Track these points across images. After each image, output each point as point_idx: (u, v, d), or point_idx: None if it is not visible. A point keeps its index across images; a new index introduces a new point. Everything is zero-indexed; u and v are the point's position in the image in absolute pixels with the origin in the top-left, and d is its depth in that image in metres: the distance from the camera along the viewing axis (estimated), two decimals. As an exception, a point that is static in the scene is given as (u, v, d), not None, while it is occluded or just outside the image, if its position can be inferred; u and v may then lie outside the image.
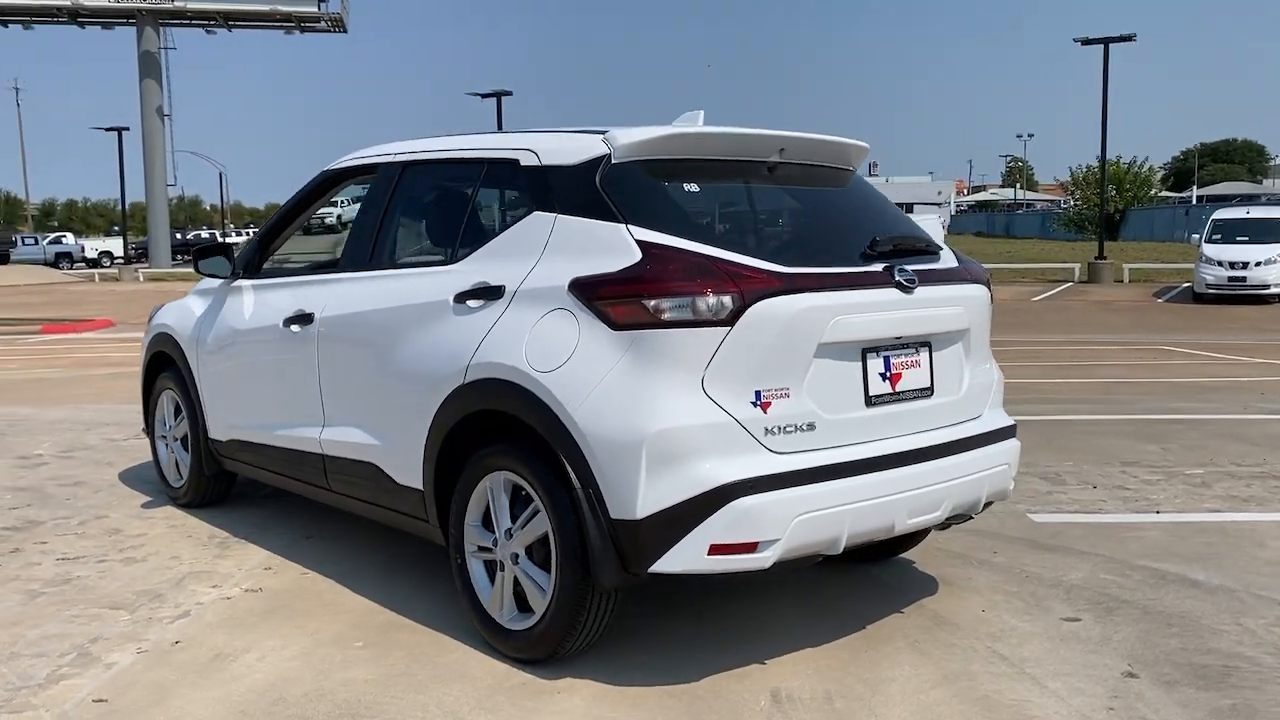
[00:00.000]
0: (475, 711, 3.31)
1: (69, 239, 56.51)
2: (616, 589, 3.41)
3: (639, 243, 3.37)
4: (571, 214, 3.58)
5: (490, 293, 3.71)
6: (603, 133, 3.65)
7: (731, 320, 3.25)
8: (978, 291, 3.97)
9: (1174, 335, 15.72)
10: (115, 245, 55.29)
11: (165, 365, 5.77)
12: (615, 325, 3.31)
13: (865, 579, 4.53)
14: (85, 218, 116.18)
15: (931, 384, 3.75)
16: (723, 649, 3.76)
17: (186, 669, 3.64)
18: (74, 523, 5.52)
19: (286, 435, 4.76)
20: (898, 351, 3.64)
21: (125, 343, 15.64)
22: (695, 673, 3.56)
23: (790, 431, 3.34)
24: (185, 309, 5.65)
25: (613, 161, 3.58)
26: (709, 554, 3.20)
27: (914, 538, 4.56)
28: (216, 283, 5.39)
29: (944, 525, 4.11)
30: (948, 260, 3.98)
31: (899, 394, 3.63)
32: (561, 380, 3.38)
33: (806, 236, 4.00)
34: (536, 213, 3.70)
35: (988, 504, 4.03)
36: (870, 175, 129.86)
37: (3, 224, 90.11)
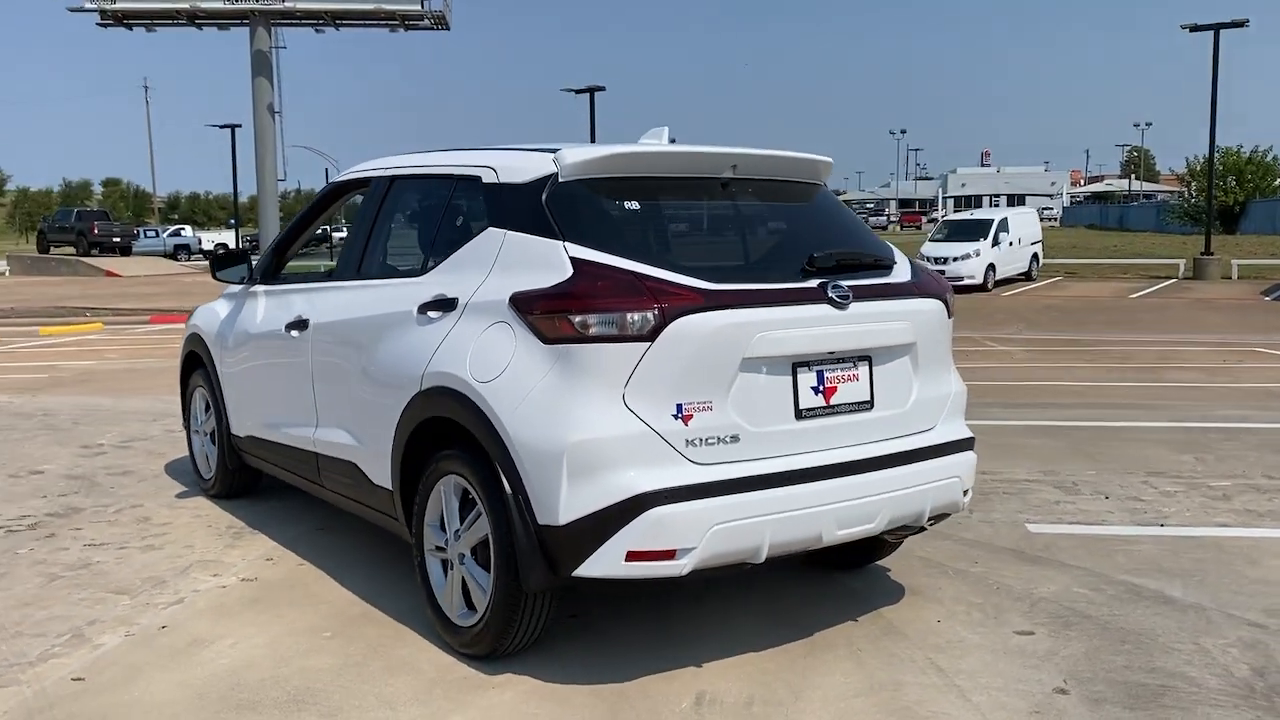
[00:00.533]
0: (409, 703, 3.50)
1: (187, 231, 59.01)
2: (544, 591, 3.57)
3: (572, 259, 3.51)
4: (519, 230, 3.74)
5: (446, 305, 3.90)
6: (554, 151, 3.79)
7: (652, 336, 3.37)
8: (928, 306, 4.00)
9: (1273, 336, 15.12)
10: (230, 238, 57.54)
11: (196, 364, 6.13)
12: (545, 339, 3.47)
13: (833, 586, 4.59)
14: (207, 210, 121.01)
15: (871, 397, 3.81)
16: (667, 651, 3.88)
17: (163, 652, 3.93)
18: (110, 510, 5.92)
19: (289, 434, 5.04)
20: (832, 366, 3.71)
21: None
22: (631, 673, 3.70)
23: (712, 443, 3.44)
24: (213, 311, 5.99)
25: (559, 180, 3.73)
26: (627, 560, 3.34)
27: (882, 546, 4.61)
28: (239, 287, 5.71)
29: (897, 536, 4.18)
30: (900, 274, 4.02)
31: (833, 407, 3.70)
32: (497, 390, 3.55)
33: (747, 253, 4.08)
34: (490, 228, 3.87)
35: (938, 517, 4.07)
36: (983, 165, 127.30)
37: (130, 217, 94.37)
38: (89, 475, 6.78)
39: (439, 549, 3.94)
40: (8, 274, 44.32)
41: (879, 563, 4.84)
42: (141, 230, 55.70)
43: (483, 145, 4.30)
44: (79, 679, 3.71)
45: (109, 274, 40.32)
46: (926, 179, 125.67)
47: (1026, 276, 27.23)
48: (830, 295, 3.66)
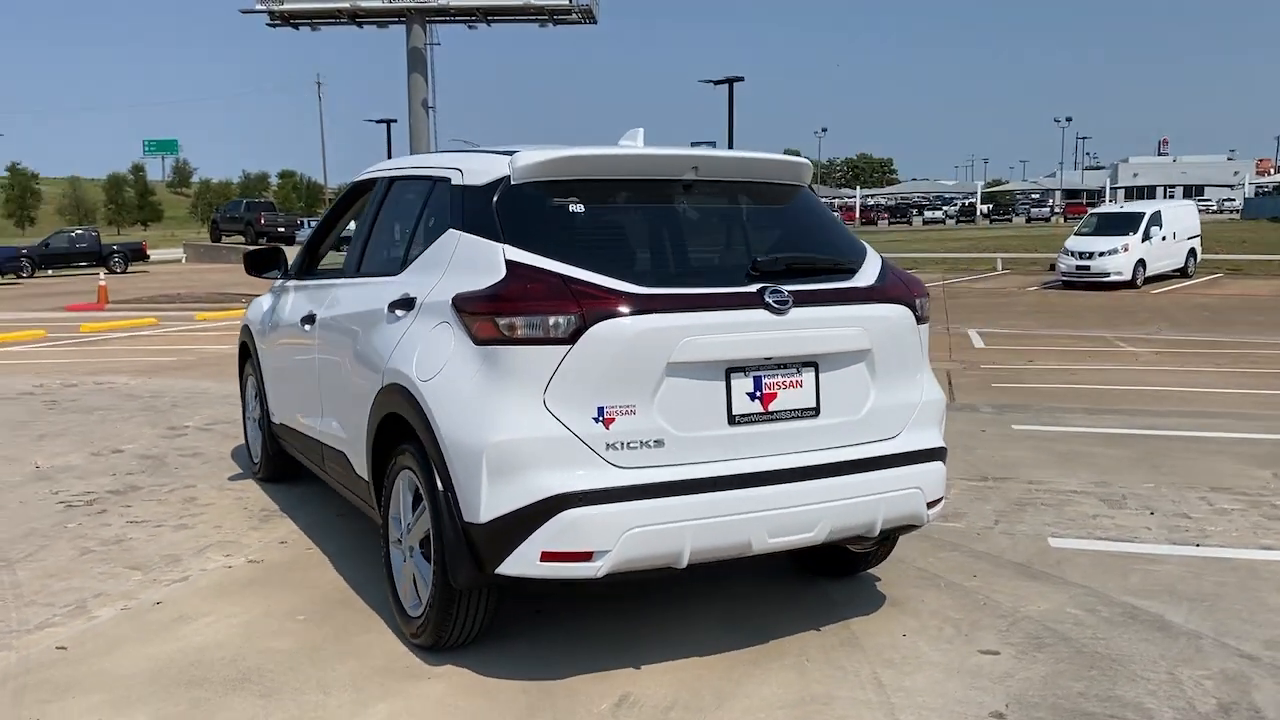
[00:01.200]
0: (344, 689, 3.63)
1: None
2: (473, 588, 3.64)
3: (507, 262, 3.57)
4: (471, 232, 3.81)
5: (408, 304, 4.01)
6: (512, 154, 3.85)
7: (572, 339, 3.40)
8: (888, 312, 3.89)
9: None
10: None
11: (246, 354, 6.46)
12: (476, 340, 3.53)
13: (811, 593, 4.51)
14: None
15: (817, 404, 3.73)
16: (615, 650, 3.90)
17: (147, 628, 4.17)
18: (164, 490, 6.30)
19: (304, 423, 5.28)
20: (772, 372, 3.65)
21: None
22: (568, 670, 3.73)
23: (634, 447, 3.44)
24: (259, 305, 6.30)
25: (511, 183, 3.78)
26: (541, 560, 3.38)
27: (864, 555, 4.51)
28: (279, 282, 5.98)
29: (862, 546, 4.09)
30: (863, 279, 3.92)
31: (772, 414, 3.64)
32: (435, 389, 3.64)
33: (698, 256, 4.05)
34: (450, 230, 3.96)
35: (898, 529, 3.97)
36: (1159, 154, 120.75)
37: (303, 207, 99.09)
38: (161, 455, 7.22)
39: (398, 540, 4.06)
40: (184, 261, 47.22)
41: (871, 571, 4.72)
42: (305, 220, 58.42)
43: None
44: (62, 648, 3.99)
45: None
46: (1096, 168, 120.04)
47: (1182, 273, 25.76)
48: (767, 300, 3.60)
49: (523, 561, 3.41)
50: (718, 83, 37.54)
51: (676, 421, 3.49)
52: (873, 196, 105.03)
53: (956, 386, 10.12)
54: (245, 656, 3.89)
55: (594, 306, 3.42)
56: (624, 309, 3.43)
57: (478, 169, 3.96)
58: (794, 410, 3.69)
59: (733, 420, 3.58)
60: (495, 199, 3.77)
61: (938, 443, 4.03)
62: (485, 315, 3.50)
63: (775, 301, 3.61)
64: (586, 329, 3.40)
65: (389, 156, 50.76)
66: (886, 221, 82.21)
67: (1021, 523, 5.50)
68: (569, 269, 3.50)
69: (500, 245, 3.63)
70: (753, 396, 3.61)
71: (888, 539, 4.25)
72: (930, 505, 3.97)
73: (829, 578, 4.65)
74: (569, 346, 3.40)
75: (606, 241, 3.80)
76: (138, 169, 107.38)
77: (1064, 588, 4.56)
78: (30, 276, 37.90)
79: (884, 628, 4.13)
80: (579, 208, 3.78)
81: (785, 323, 3.63)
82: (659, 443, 3.47)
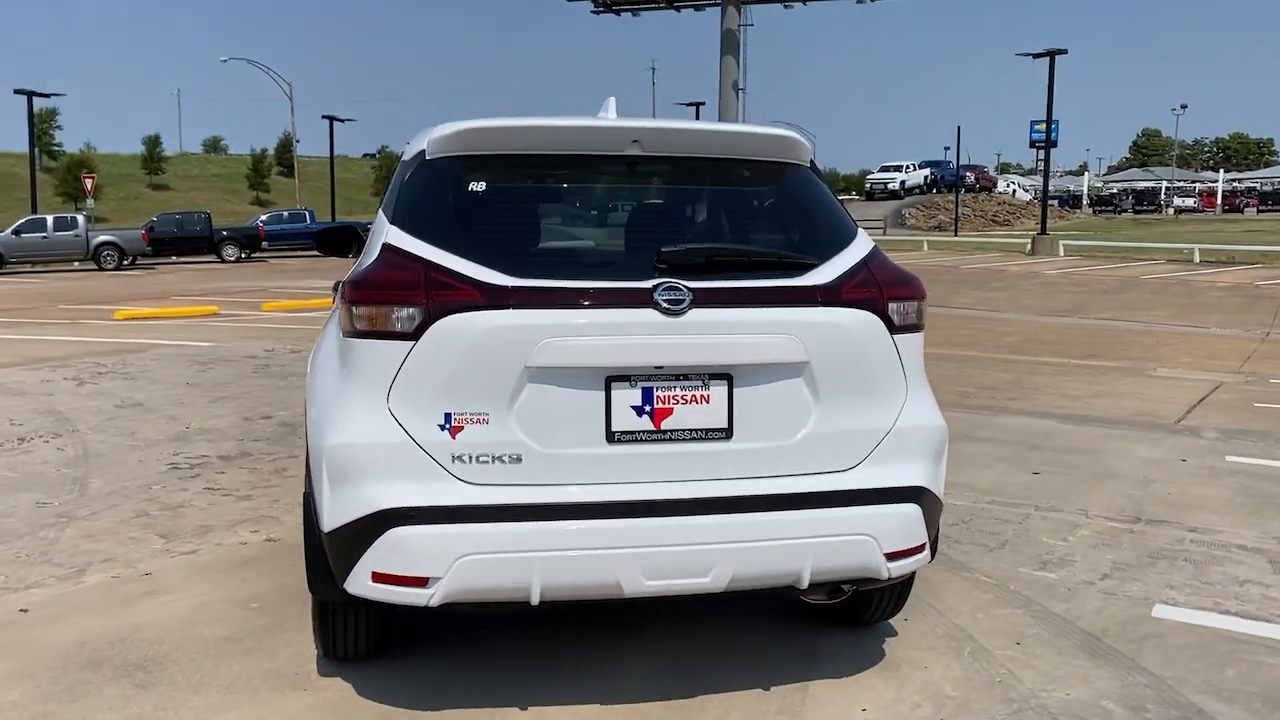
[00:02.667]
0: (217, 690, 3.45)
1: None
2: (332, 601, 3.33)
3: (383, 245, 3.23)
4: (384, 210, 3.50)
5: (335, 288, 3.77)
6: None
7: (416, 334, 3.00)
8: (838, 317, 3.17)
9: None
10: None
11: None
12: (343, 330, 3.22)
13: (792, 642, 3.85)
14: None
15: (729, 424, 3.10)
16: (513, 685, 3.48)
17: (113, 600, 4.21)
18: (265, 459, 6.48)
19: None
20: (667, 383, 3.07)
21: None
22: (448, 702, 3.36)
23: (486, 461, 3.00)
24: None
25: (425, 158, 3.42)
26: (373, 580, 3.02)
27: (869, 603, 3.79)
28: None
29: (816, 598, 3.42)
30: (818, 276, 3.22)
31: (665, 432, 3.07)
32: (310, 382, 3.41)
33: (607, 245, 3.47)
34: (381, 210, 3.66)
35: (848, 581, 3.27)
36: None
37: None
38: (296, 424, 7.46)
39: None
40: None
41: (892, 621, 3.98)
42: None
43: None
44: (24, 610, 4.09)
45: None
46: None
47: None
48: (657, 299, 3.02)
49: (359, 580, 3.06)
50: (1037, 56, 34.75)
51: (540, 435, 3.01)
52: (1241, 180, 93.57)
53: (1208, 403, 8.61)
54: (165, 640, 3.82)
55: (444, 299, 3.00)
56: (476, 302, 2.99)
57: (411, 144, 3.63)
58: (696, 430, 3.09)
59: (612, 438, 3.04)
60: (407, 176, 3.43)
61: (915, 481, 3.27)
62: (345, 303, 3.17)
63: (666, 301, 3.02)
64: (431, 324, 2.99)
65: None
66: (1255, 209, 72.78)
67: (1136, 581, 4.48)
68: (442, 255, 3.10)
69: (389, 226, 3.29)
70: (640, 411, 3.05)
71: (843, 592, 3.51)
72: (896, 556, 3.23)
73: (832, 625, 3.96)
74: (413, 342, 3.00)
75: (504, 225, 3.34)
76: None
77: (1123, 673, 3.61)
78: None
79: (847, 697, 3.43)
80: (480, 185, 3.35)
81: (681, 326, 3.03)
82: (516, 458, 3.00)
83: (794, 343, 3.11)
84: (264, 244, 39.31)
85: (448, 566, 2.94)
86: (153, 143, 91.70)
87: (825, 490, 3.14)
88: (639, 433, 3.05)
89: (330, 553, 3.13)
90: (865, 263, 3.33)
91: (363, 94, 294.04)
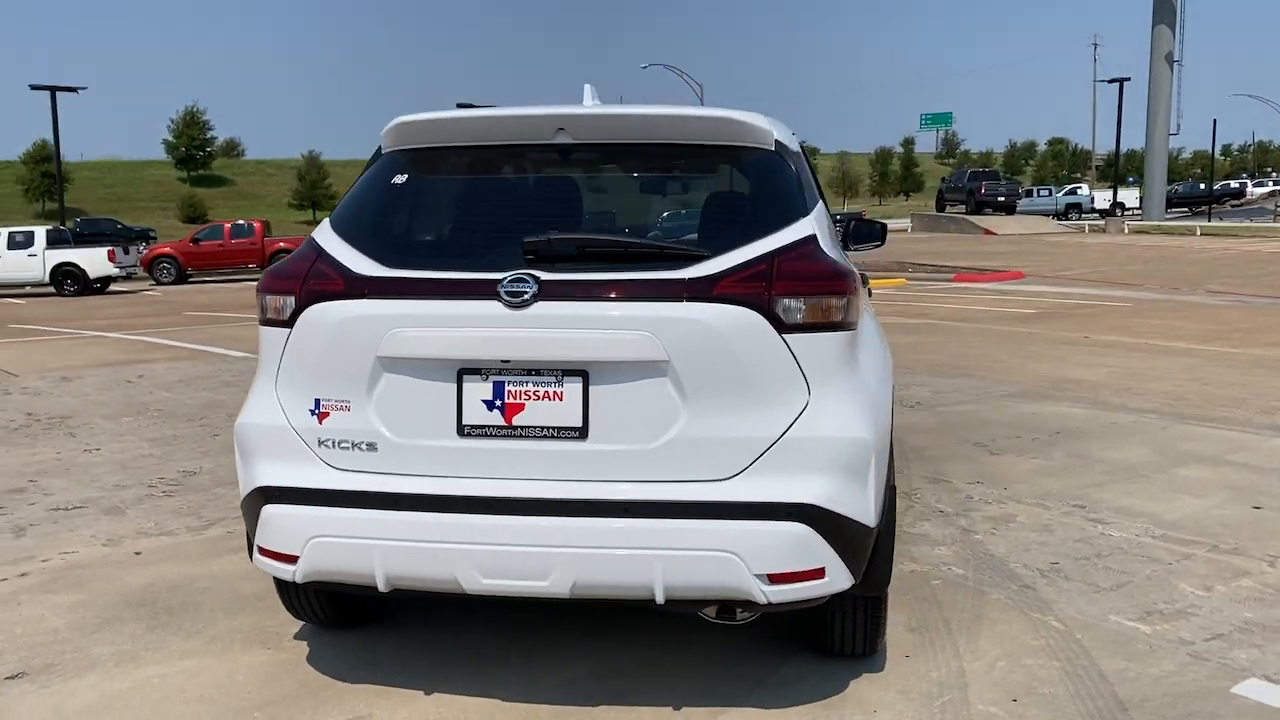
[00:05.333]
0: (202, 640, 3.82)
1: (1083, 190, 58.36)
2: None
3: (309, 239, 3.41)
4: None
5: None
6: None
7: (290, 322, 3.15)
8: (705, 313, 2.89)
9: None
10: (1129, 196, 55.52)
11: None
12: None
13: (766, 663, 3.55)
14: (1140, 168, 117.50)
15: (585, 424, 2.95)
16: (436, 669, 3.53)
17: (211, 549, 4.76)
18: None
19: None
20: (519, 378, 2.97)
21: (1004, 296, 16.62)
22: (376, 679, 3.48)
23: (346, 448, 3.09)
24: None
25: (381, 153, 3.57)
26: (259, 554, 3.22)
27: (832, 629, 3.44)
28: None
29: (725, 618, 3.17)
30: (702, 268, 2.96)
31: (517, 428, 2.98)
32: None
33: (492, 236, 3.34)
34: None
35: (716, 601, 2.99)
36: None
37: (1064, 175, 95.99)
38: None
39: None
40: (909, 230, 48.99)
41: (894, 654, 3.57)
42: (1035, 189, 56.68)
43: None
44: (139, 553, 4.75)
45: (986, 232, 42.26)
46: None
47: None
48: (500, 291, 2.94)
49: (254, 553, 3.27)
50: None
51: (395, 424, 3.04)
52: None
53: None
54: (210, 590, 4.27)
55: (313, 288, 3.12)
56: (338, 292, 3.08)
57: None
58: (548, 428, 2.97)
59: (463, 431, 3.00)
60: (363, 171, 3.59)
61: (803, 498, 2.91)
62: (256, 293, 3.39)
63: (508, 293, 2.93)
64: (301, 312, 3.12)
65: (1119, 117, 47.06)
66: None
67: (1253, 649, 3.65)
68: (339, 247, 3.23)
69: (325, 220, 3.47)
70: (491, 405, 2.99)
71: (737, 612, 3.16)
72: (779, 579, 2.90)
73: (812, 650, 3.61)
74: (289, 330, 3.15)
75: (407, 218, 3.39)
76: (908, 142, 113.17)
77: (1111, 753, 2.99)
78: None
79: (752, 731, 3.13)
80: (403, 178, 3.42)
81: (527, 319, 2.93)
82: (372, 446, 3.06)
83: (649, 340, 2.89)
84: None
85: (303, 546, 3.06)
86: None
87: (682, 500, 2.89)
88: (490, 427, 2.99)
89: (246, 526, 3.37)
90: (774, 255, 3.01)
91: (770, 92, 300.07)
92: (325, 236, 3.30)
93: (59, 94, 36.76)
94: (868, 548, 3.08)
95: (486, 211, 3.43)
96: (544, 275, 2.95)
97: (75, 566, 4.61)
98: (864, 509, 3.01)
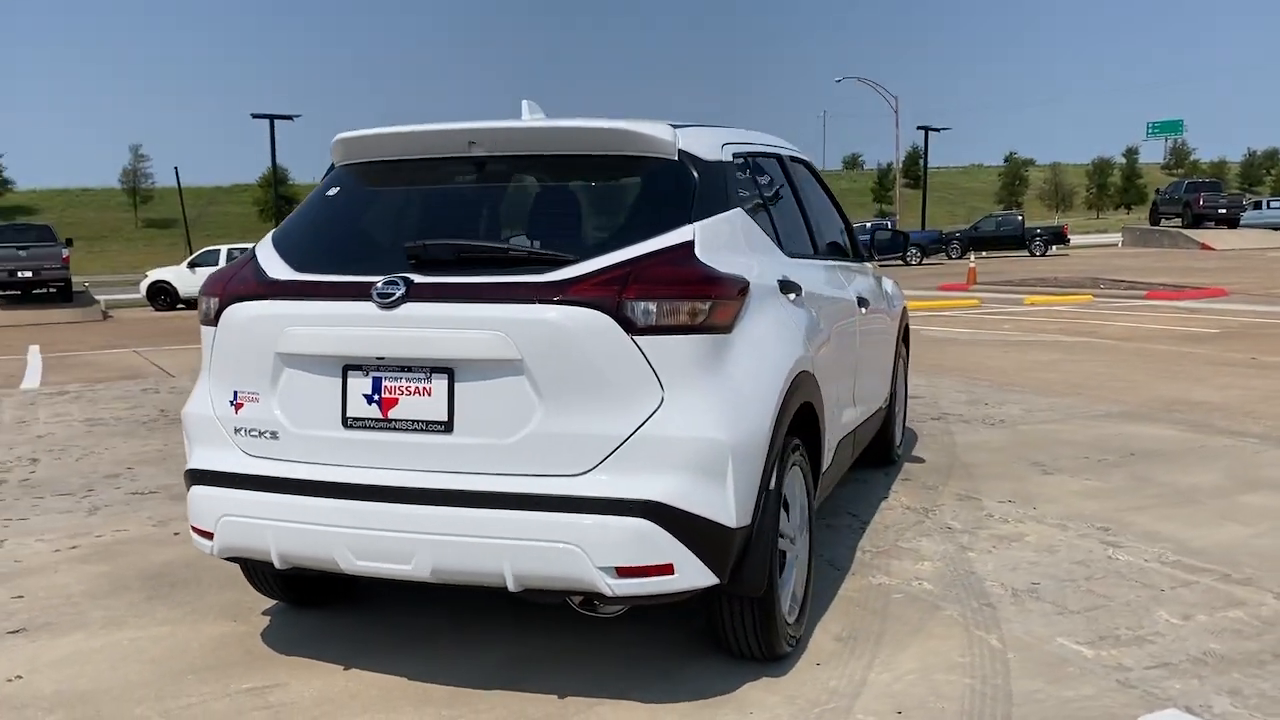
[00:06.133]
0: (183, 610, 4.20)
1: (1320, 202, 53.53)
2: None
3: (253, 248, 3.75)
4: None
5: None
6: None
7: (215, 321, 3.48)
8: (555, 315, 3.01)
9: None
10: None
11: None
12: None
13: (682, 658, 3.63)
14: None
15: (450, 419, 3.14)
16: (363, 650, 3.79)
17: (129, 547, 5.03)
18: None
19: None
20: (394, 374, 3.19)
21: (1191, 315, 15.84)
22: (308, 653, 3.77)
23: (255, 436, 3.39)
24: None
25: (333, 167, 3.89)
26: (191, 530, 3.56)
27: (724, 627, 3.49)
28: None
29: (591, 610, 3.31)
30: (562, 272, 3.10)
31: (391, 421, 3.20)
32: None
33: (389, 243, 3.53)
34: None
35: (564, 592, 3.12)
36: None
37: (1248, 186, 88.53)
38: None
39: None
40: (1120, 245, 46.61)
41: (805, 659, 3.58)
42: (1266, 201, 52.40)
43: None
44: (177, 534, 5.24)
45: (1204, 247, 39.79)
46: None
47: None
48: (371, 292, 3.17)
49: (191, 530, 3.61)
50: None
51: (293, 415, 3.32)
52: None
53: None
54: (215, 569, 4.66)
55: (232, 290, 3.44)
56: (249, 294, 3.39)
57: None
58: (418, 422, 3.17)
59: (347, 423, 3.25)
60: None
61: (649, 495, 2.99)
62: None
63: (380, 294, 3.16)
64: (220, 312, 3.45)
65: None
66: None
67: (1197, 679, 3.45)
68: (266, 255, 3.55)
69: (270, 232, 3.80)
70: (370, 399, 3.22)
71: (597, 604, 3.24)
72: (625, 573, 3.01)
73: (727, 652, 3.65)
74: (214, 329, 3.49)
75: (327, 227, 3.66)
76: (1130, 152, 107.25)
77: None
78: (959, 258, 41.30)
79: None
80: (334, 190, 3.72)
81: (396, 319, 3.15)
82: (274, 435, 3.35)
83: (503, 340, 3.05)
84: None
85: (216, 524, 3.38)
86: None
87: (533, 493, 3.04)
88: (369, 420, 3.22)
89: None
90: (638, 260, 3.12)
91: (971, 103, 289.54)
92: (262, 246, 3.63)
93: (276, 121, 39.84)
94: (731, 548, 3.13)
95: (394, 219, 3.68)
96: (415, 278, 3.16)
97: (119, 543, 5.14)
98: (720, 508, 3.06)
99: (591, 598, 3.13)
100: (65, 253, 27.12)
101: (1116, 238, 49.36)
